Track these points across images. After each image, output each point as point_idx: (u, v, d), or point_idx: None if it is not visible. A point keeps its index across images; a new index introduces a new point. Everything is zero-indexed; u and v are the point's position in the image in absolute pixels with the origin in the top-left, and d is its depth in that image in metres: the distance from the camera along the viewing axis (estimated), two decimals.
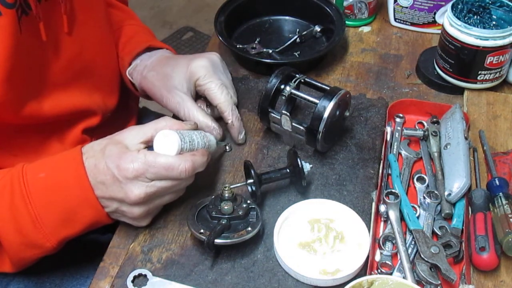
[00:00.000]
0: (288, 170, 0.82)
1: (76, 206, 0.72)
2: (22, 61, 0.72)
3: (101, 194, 0.71)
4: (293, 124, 0.85)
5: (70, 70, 0.82)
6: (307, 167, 0.80)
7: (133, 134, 0.73)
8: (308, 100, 0.87)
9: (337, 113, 0.84)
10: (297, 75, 0.89)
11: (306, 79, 0.89)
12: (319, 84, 0.89)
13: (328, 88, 0.86)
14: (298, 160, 0.79)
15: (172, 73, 0.87)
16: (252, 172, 0.78)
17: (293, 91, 0.88)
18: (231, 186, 0.77)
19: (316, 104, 0.83)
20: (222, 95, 0.85)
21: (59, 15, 0.78)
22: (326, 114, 0.81)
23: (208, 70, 0.86)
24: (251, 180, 0.79)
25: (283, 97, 0.89)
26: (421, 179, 0.86)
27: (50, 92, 0.79)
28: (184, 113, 0.85)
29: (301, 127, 0.85)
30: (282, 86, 0.87)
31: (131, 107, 1.08)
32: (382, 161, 0.87)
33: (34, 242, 0.72)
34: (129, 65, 0.94)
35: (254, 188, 0.80)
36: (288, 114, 0.85)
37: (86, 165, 0.71)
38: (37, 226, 0.70)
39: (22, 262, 0.75)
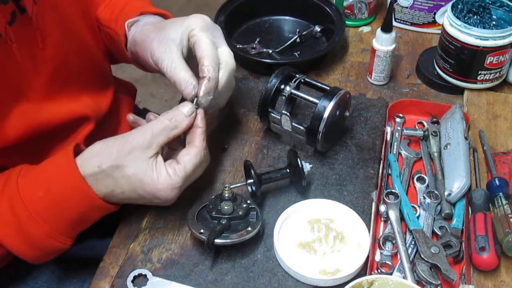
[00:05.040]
0: (288, 170, 0.82)
1: (84, 212, 0.73)
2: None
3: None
4: (293, 124, 0.85)
5: (55, 82, 0.80)
6: (307, 167, 0.80)
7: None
8: (308, 100, 0.87)
9: (337, 113, 0.84)
10: (297, 75, 0.89)
11: (306, 79, 0.89)
12: (319, 84, 0.89)
13: (328, 88, 0.86)
14: (298, 160, 0.79)
15: (167, 27, 0.83)
16: (252, 172, 0.78)
17: (293, 91, 0.88)
18: (231, 186, 0.77)
19: (316, 104, 0.83)
20: (210, 50, 0.80)
21: (32, 32, 0.75)
22: (326, 114, 0.81)
23: (204, 25, 0.82)
24: (251, 180, 0.79)
25: (283, 97, 0.89)
26: (421, 179, 0.86)
27: (40, 103, 0.78)
28: (167, 63, 0.79)
29: (301, 127, 0.85)
30: (282, 86, 0.87)
31: (124, 110, 1.06)
32: (382, 161, 0.87)
33: (52, 250, 0.73)
34: (124, 32, 0.90)
35: (254, 188, 0.80)
36: (288, 114, 0.85)
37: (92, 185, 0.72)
38: (53, 237, 0.71)
39: (43, 262, 0.77)
